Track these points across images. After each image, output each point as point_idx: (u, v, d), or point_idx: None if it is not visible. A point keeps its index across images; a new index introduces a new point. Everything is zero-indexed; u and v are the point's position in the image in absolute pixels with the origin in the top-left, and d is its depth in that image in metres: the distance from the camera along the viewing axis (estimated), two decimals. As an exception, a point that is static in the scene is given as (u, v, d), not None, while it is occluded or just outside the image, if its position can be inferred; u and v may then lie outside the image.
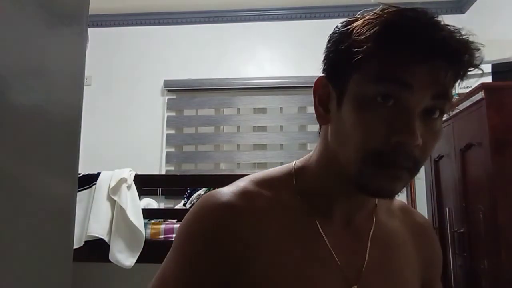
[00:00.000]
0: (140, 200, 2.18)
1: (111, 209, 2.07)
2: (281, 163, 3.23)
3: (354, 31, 0.55)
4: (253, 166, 3.02)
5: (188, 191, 2.42)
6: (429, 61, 0.52)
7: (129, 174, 2.17)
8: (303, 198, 0.64)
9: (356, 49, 0.53)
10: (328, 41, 0.61)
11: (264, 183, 0.66)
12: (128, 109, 3.12)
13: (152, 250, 2.02)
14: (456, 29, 0.53)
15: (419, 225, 0.74)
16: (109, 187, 2.10)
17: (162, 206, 2.75)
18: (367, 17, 0.56)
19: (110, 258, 1.99)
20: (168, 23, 3.26)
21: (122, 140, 3.04)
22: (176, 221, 2.15)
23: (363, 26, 0.54)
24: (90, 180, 2.14)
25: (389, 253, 0.67)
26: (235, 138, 3.07)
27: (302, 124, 3.06)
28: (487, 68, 2.01)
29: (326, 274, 0.61)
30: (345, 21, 0.59)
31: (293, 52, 3.14)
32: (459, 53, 0.53)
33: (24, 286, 0.41)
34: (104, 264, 2.01)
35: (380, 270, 0.64)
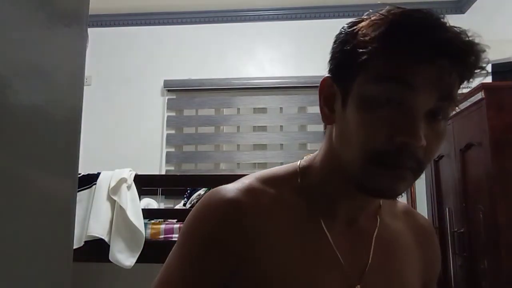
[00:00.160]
0: (140, 200, 2.18)
1: (111, 209, 2.08)
2: (281, 163, 3.22)
3: (360, 31, 0.55)
4: (253, 166, 3.02)
5: (188, 191, 2.42)
6: (434, 62, 0.52)
7: (129, 174, 2.17)
8: (307, 197, 0.65)
9: (361, 50, 0.54)
10: (334, 42, 0.62)
11: (269, 181, 0.66)
12: (128, 109, 3.12)
13: (152, 250, 2.02)
14: (462, 31, 0.53)
15: (422, 227, 0.75)
16: (109, 187, 2.10)
17: (162, 206, 2.75)
18: (372, 18, 0.56)
19: (110, 258, 1.99)
20: (168, 23, 3.26)
21: (122, 140, 3.04)
22: (176, 221, 2.15)
23: (369, 27, 0.54)
24: (90, 180, 2.15)
25: (392, 253, 0.67)
26: (235, 138, 3.07)
27: (302, 124, 3.06)
28: (487, 68, 2.00)
29: (329, 273, 0.62)
30: (351, 22, 0.60)
31: (293, 52, 3.14)
32: (465, 54, 0.53)
33: (24, 286, 0.41)
34: (104, 264, 2.01)
35: (383, 270, 0.65)
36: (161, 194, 2.71)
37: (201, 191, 2.25)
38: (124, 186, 2.11)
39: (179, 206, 2.49)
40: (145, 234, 2.05)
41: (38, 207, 0.43)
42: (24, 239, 0.41)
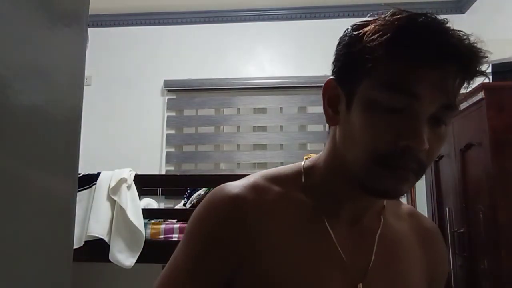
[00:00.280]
0: (140, 200, 2.18)
1: (111, 209, 2.08)
2: (281, 163, 3.22)
3: (365, 36, 0.56)
4: (253, 166, 3.02)
5: (188, 191, 2.42)
6: (439, 68, 0.53)
7: (129, 174, 2.17)
8: (311, 196, 0.66)
9: (367, 55, 0.54)
10: (338, 44, 0.62)
11: (274, 179, 0.67)
12: (128, 109, 3.12)
13: (152, 250, 2.02)
14: (466, 35, 0.54)
15: (427, 229, 0.75)
16: (109, 187, 2.10)
17: (162, 206, 2.75)
18: (378, 23, 0.56)
19: (110, 258, 1.99)
20: (168, 23, 3.26)
21: (122, 140, 3.04)
22: (176, 221, 2.15)
23: (374, 32, 0.55)
24: (90, 180, 2.15)
25: (395, 253, 0.67)
26: (235, 138, 3.07)
27: (302, 124, 3.06)
28: (487, 68, 2.00)
29: (332, 271, 0.62)
30: (355, 25, 0.60)
31: (293, 52, 3.14)
32: (469, 59, 0.54)
33: (24, 286, 0.41)
34: (104, 264, 2.01)
35: (386, 269, 0.65)
36: (161, 194, 2.71)
37: (201, 191, 2.25)
38: (124, 186, 2.11)
39: (179, 206, 2.49)
40: (145, 234, 2.05)
41: (38, 207, 0.43)
42: (24, 239, 0.41)
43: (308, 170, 0.68)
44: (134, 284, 2.63)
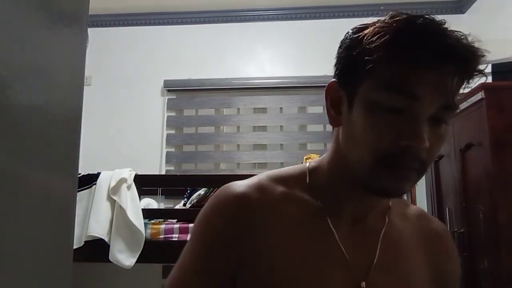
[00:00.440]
0: (140, 200, 2.18)
1: (111, 209, 2.07)
2: (281, 163, 3.21)
3: (365, 39, 0.57)
4: (253, 166, 3.02)
5: (188, 191, 2.42)
6: (438, 69, 0.54)
7: (129, 174, 2.17)
8: (315, 196, 0.67)
9: (367, 57, 0.55)
10: (339, 47, 0.63)
11: (279, 179, 0.69)
12: (128, 109, 3.12)
13: (152, 250, 2.02)
14: (463, 35, 0.55)
15: (435, 232, 0.74)
16: (109, 187, 2.10)
17: (162, 206, 2.75)
18: (377, 25, 0.57)
19: (110, 258, 1.99)
20: (168, 23, 3.26)
21: (122, 140, 3.04)
22: (176, 221, 2.15)
23: (374, 35, 0.56)
24: (90, 180, 2.14)
25: (399, 253, 0.68)
26: (235, 138, 3.07)
27: (302, 124, 3.06)
28: (487, 68, 2.01)
29: (334, 269, 0.63)
30: (355, 28, 0.61)
31: (293, 52, 3.14)
32: (467, 59, 0.55)
33: (24, 286, 0.41)
34: (104, 264, 2.01)
35: (389, 269, 0.65)
36: (161, 194, 2.71)
37: (201, 191, 2.25)
38: (124, 186, 2.11)
39: (179, 206, 2.49)
40: (145, 234, 2.04)
41: (38, 207, 0.43)
42: (24, 239, 0.41)
43: (313, 171, 0.70)
44: (134, 284, 2.63)
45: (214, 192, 2.37)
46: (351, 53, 0.59)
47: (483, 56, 0.56)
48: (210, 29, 3.23)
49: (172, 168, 3.06)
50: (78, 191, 2.01)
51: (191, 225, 2.06)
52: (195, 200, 2.23)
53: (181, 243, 2.25)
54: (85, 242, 1.99)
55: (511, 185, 1.68)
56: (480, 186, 1.83)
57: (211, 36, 3.21)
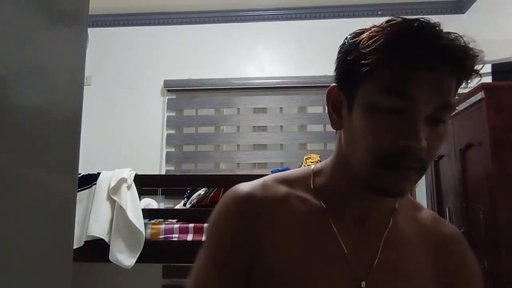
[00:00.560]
0: (140, 200, 2.18)
1: (111, 209, 2.07)
2: (281, 163, 3.20)
3: (361, 43, 0.59)
4: (253, 166, 3.02)
5: (188, 191, 2.42)
6: (433, 70, 0.56)
7: (129, 174, 2.17)
8: (318, 196, 0.69)
9: (363, 61, 0.57)
10: (339, 52, 0.65)
11: (283, 180, 0.72)
12: (128, 109, 3.12)
13: (152, 250, 2.02)
14: (457, 36, 0.56)
15: (445, 236, 0.72)
16: (109, 187, 2.10)
17: (162, 206, 2.75)
18: (373, 29, 0.59)
19: (110, 258, 1.99)
20: (168, 23, 3.26)
21: (122, 140, 3.04)
22: (176, 221, 2.14)
23: (369, 39, 0.58)
24: (90, 180, 2.14)
25: (401, 255, 0.68)
26: (235, 138, 3.07)
27: (302, 124, 3.06)
28: (487, 68, 2.01)
29: (335, 267, 0.64)
30: (354, 33, 0.63)
31: (293, 52, 3.14)
32: (461, 60, 0.56)
33: (24, 286, 0.41)
34: (104, 264, 2.01)
35: (391, 269, 0.66)
36: (161, 194, 2.70)
37: (201, 191, 2.24)
38: (124, 186, 2.11)
39: (179, 206, 2.49)
40: (145, 234, 2.04)
41: (38, 207, 0.43)
42: (24, 239, 0.41)
43: (317, 172, 0.72)
44: (134, 284, 2.63)
45: (214, 192, 2.36)
46: (348, 58, 0.61)
47: (478, 55, 0.57)
48: (210, 29, 3.23)
49: (172, 168, 3.06)
50: (78, 191, 2.01)
51: (191, 225, 2.06)
52: (195, 200, 2.22)
53: (181, 243, 2.23)
54: (85, 242, 1.99)
55: (511, 185, 1.68)
56: (480, 186, 1.83)
57: (211, 36, 3.21)
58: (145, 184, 2.31)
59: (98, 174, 2.17)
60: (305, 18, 3.20)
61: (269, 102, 3.09)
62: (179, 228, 2.07)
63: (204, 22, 3.24)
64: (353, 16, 3.11)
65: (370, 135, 0.59)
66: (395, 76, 0.57)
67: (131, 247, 2.01)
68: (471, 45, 0.56)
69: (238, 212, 0.68)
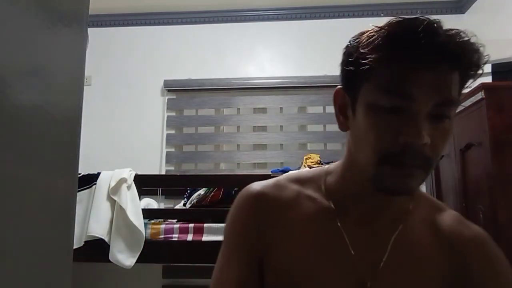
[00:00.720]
0: (140, 200, 2.18)
1: (111, 209, 2.07)
2: (281, 163, 3.20)
3: (361, 44, 0.60)
4: (253, 166, 3.02)
5: (188, 191, 2.42)
6: (431, 67, 0.56)
7: (129, 174, 2.17)
8: (327, 195, 0.71)
9: (362, 61, 0.58)
10: (343, 54, 0.66)
11: (295, 180, 0.75)
12: (128, 109, 3.12)
13: (152, 250, 2.02)
14: (457, 32, 0.56)
15: (466, 238, 0.69)
16: (109, 187, 2.10)
17: (162, 206, 2.75)
18: (371, 30, 0.60)
19: (110, 258, 1.99)
20: (168, 23, 3.26)
21: (122, 140, 3.04)
22: (176, 221, 2.14)
23: (368, 39, 0.59)
24: (90, 180, 2.14)
25: (410, 258, 0.66)
26: (235, 138, 3.07)
27: (302, 124, 3.06)
28: (487, 68, 2.01)
29: (340, 267, 0.65)
30: (356, 35, 0.64)
31: (293, 52, 3.14)
32: (459, 56, 0.56)
33: (24, 286, 0.41)
34: (104, 264, 2.01)
35: (397, 271, 0.65)
36: (161, 194, 2.71)
37: (201, 191, 2.24)
38: (124, 186, 2.11)
39: (179, 206, 2.49)
40: (145, 234, 2.04)
41: (38, 207, 0.43)
42: (24, 239, 0.41)
43: (329, 172, 0.74)
44: (134, 284, 2.63)
45: (214, 192, 2.36)
46: (350, 59, 0.63)
47: (478, 50, 0.57)
48: (210, 29, 3.23)
49: (172, 168, 3.06)
50: (78, 191, 2.01)
51: (191, 225, 2.06)
52: (195, 200, 2.22)
53: (181, 243, 2.23)
54: (85, 242, 1.99)
55: (511, 185, 1.68)
56: (480, 186, 1.83)
57: (211, 36, 3.21)
58: (145, 184, 2.31)
59: (98, 174, 2.17)
60: (305, 18, 3.20)
61: (269, 102, 3.09)
62: (179, 228, 2.07)
63: (204, 22, 3.24)
64: (353, 16, 3.11)
65: (372, 135, 0.60)
66: (393, 76, 0.57)
67: (131, 247, 2.01)
68: (472, 40, 0.56)
69: (249, 210, 0.72)
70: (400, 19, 0.58)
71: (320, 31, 3.12)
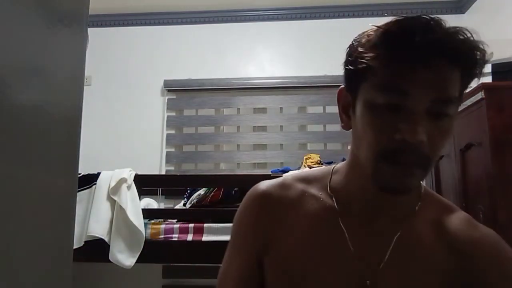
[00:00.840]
0: (140, 200, 2.18)
1: (111, 209, 2.07)
2: (281, 163, 3.19)
3: (359, 44, 0.61)
4: (253, 166, 3.02)
5: (188, 191, 2.42)
6: (426, 65, 0.56)
7: (129, 174, 2.17)
8: (332, 194, 0.71)
9: (360, 60, 0.59)
10: (345, 54, 0.67)
11: (302, 179, 0.76)
12: (128, 109, 3.12)
13: (152, 250, 2.02)
14: (456, 30, 0.56)
15: (474, 240, 0.66)
16: (109, 187, 2.10)
17: (162, 206, 2.75)
18: (370, 30, 0.61)
19: (110, 258, 1.99)
20: (168, 23, 3.26)
21: (122, 140, 3.04)
22: (176, 221, 2.14)
23: (365, 39, 0.60)
24: (90, 180, 2.14)
25: (413, 258, 0.66)
26: (235, 138, 3.07)
27: (302, 124, 3.06)
28: (487, 68, 2.01)
29: (341, 265, 0.65)
30: (358, 34, 0.65)
31: (293, 52, 3.14)
32: (457, 53, 0.56)
33: (24, 286, 0.41)
34: (104, 264, 2.01)
35: (398, 272, 0.65)
36: (161, 194, 2.70)
37: (201, 191, 2.24)
38: (124, 186, 2.11)
39: (179, 206, 2.49)
40: (145, 234, 2.04)
41: (38, 207, 0.43)
42: (24, 239, 0.41)
43: (336, 172, 0.75)
44: (134, 284, 2.63)
45: (214, 192, 2.36)
46: (349, 58, 0.64)
47: (478, 48, 0.57)
48: (210, 29, 3.22)
49: (172, 168, 3.06)
50: (78, 191, 2.01)
51: (191, 225, 2.06)
52: (195, 200, 2.22)
53: (181, 243, 2.24)
54: (85, 242, 1.99)
55: (511, 185, 1.68)
56: (480, 186, 1.83)
57: (211, 36, 3.21)
58: (145, 184, 2.31)
59: (98, 174, 2.17)
60: (305, 18, 3.19)
61: (269, 102, 3.09)
62: (179, 228, 2.07)
63: (204, 22, 3.24)
64: (353, 16, 3.11)
65: (370, 132, 0.60)
66: (389, 73, 0.58)
67: (131, 247, 2.01)
68: (473, 38, 0.56)
69: (252, 209, 0.74)
70: (399, 18, 0.58)
71: (320, 31, 3.12)
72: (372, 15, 3.04)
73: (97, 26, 3.21)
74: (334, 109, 2.82)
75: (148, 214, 2.15)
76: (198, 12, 3.21)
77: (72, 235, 0.49)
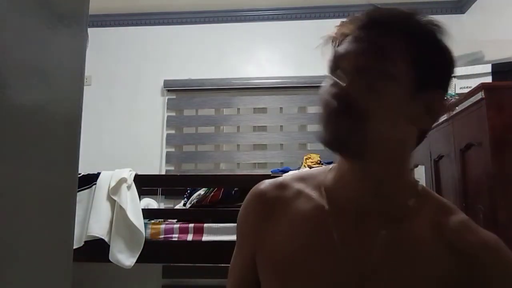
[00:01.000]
0: (140, 200, 2.18)
1: (111, 209, 2.07)
2: (281, 163, 3.20)
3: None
4: (253, 166, 3.02)
5: (188, 191, 2.42)
6: (353, 39, 0.70)
7: (129, 174, 2.17)
8: (326, 194, 0.72)
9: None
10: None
11: (300, 178, 0.77)
12: (128, 109, 3.12)
13: (152, 250, 2.02)
14: (393, 7, 0.70)
15: (471, 244, 0.65)
16: (109, 187, 2.10)
17: (162, 206, 2.75)
18: None
19: (110, 258, 1.99)
20: (168, 23, 3.26)
21: (122, 140, 3.04)
22: (176, 221, 2.15)
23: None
24: (90, 180, 2.14)
25: (405, 260, 0.65)
26: (235, 138, 3.07)
27: (302, 124, 3.06)
28: (487, 68, 2.01)
29: (329, 266, 0.65)
30: None
31: (293, 52, 3.14)
32: (384, 21, 0.70)
33: (24, 286, 0.41)
34: (104, 264, 2.01)
35: (388, 273, 0.64)
36: (161, 194, 2.71)
37: (201, 191, 2.24)
38: (124, 186, 2.11)
39: (179, 206, 2.49)
40: (145, 234, 2.05)
41: (38, 207, 0.43)
42: (24, 239, 0.41)
43: (331, 170, 0.75)
44: (134, 284, 2.63)
45: (214, 192, 2.36)
46: None
47: (409, 16, 0.70)
48: (210, 29, 3.23)
49: (172, 168, 3.06)
50: (78, 191, 2.01)
51: (191, 225, 2.06)
52: (195, 200, 2.22)
53: (181, 243, 2.24)
54: (85, 242, 1.99)
55: (511, 185, 1.68)
56: (480, 186, 1.83)
57: (211, 36, 3.21)
58: (145, 184, 2.31)
59: (98, 174, 2.17)
60: (305, 18, 3.20)
61: (269, 102, 3.09)
62: (179, 228, 2.07)
63: (204, 22, 3.24)
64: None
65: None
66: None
67: (131, 247, 2.01)
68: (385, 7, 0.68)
69: (249, 209, 0.77)
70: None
71: (320, 31, 3.10)
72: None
73: (97, 26, 3.21)
74: (334, 109, 2.82)
75: (148, 214, 2.15)
76: (198, 12, 3.21)
77: (72, 235, 0.49)
